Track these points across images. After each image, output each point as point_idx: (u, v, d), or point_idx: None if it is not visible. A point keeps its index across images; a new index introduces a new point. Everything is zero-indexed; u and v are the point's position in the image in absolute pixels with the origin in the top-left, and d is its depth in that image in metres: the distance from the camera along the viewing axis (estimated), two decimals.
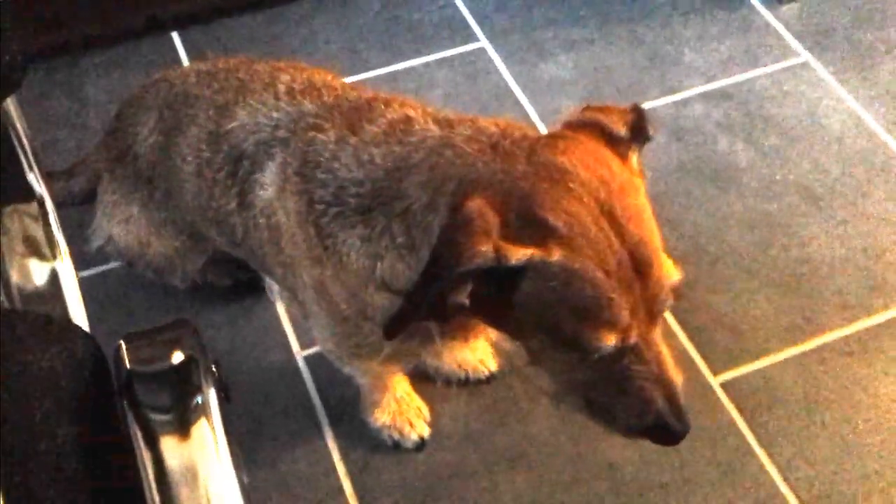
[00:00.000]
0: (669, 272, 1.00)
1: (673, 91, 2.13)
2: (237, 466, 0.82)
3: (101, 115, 2.03)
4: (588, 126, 1.06)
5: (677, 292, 1.01)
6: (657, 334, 1.02)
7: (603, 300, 0.95)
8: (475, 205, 0.95)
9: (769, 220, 1.89)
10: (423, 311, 0.99)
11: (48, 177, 1.29)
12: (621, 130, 1.05)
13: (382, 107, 1.19)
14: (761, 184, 1.95)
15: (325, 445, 1.59)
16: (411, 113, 1.16)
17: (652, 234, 0.99)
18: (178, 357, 0.86)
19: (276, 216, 1.24)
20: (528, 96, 2.11)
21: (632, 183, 1.01)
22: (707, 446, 1.58)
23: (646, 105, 2.08)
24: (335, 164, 1.15)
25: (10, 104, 1.20)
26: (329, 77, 1.36)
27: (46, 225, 1.20)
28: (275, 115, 1.27)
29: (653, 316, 1.00)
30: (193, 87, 1.42)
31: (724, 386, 1.65)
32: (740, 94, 2.12)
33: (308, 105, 1.26)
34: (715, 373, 1.67)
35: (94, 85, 2.14)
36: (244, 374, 1.68)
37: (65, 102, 2.10)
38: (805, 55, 2.19)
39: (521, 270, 0.95)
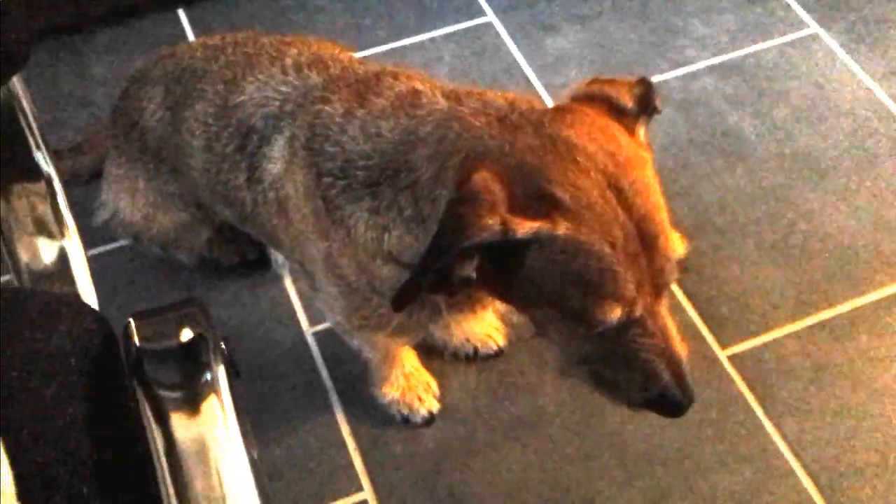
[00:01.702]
0: (676, 246, 1.00)
1: (681, 64, 2.11)
2: (247, 442, 0.82)
3: (107, 93, 2.03)
4: (595, 99, 1.05)
5: (683, 266, 1.01)
6: (663, 307, 1.02)
7: (608, 273, 0.95)
8: (481, 178, 0.95)
9: (778, 193, 1.89)
10: (429, 284, 0.99)
11: (55, 155, 1.28)
12: (628, 103, 1.05)
13: (390, 80, 1.19)
14: (770, 157, 1.95)
15: (335, 421, 1.60)
16: (419, 86, 1.16)
17: (659, 207, 0.99)
18: (187, 334, 0.86)
19: (285, 190, 1.25)
20: (535, 70, 2.10)
21: (639, 156, 1.01)
22: (715, 419, 1.58)
23: (654, 78, 2.06)
24: (343, 138, 1.15)
25: (17, 83, 1.19)
26: (336, 50, 1.35)
27: (54, 203, 1.20)
28: (282, 88, 1.27)
29: (658, 289, 1.00)
30: (201, 61, 1.42)
31: (731, 359, 1.65)
32: (749, 66, 2.11)
33: (315, 78, 1.26)
34: (723, 346, 1.67)
35: (100, 63, 2.14)
36: (253, 351, 1.69)
37: (71, 80, 2.10)
38: (814, 27, 2.17)
39: (527, 243, 0.95)
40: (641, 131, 1.07)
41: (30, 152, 1.20)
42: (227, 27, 2.13)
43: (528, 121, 1.01)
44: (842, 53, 2.12)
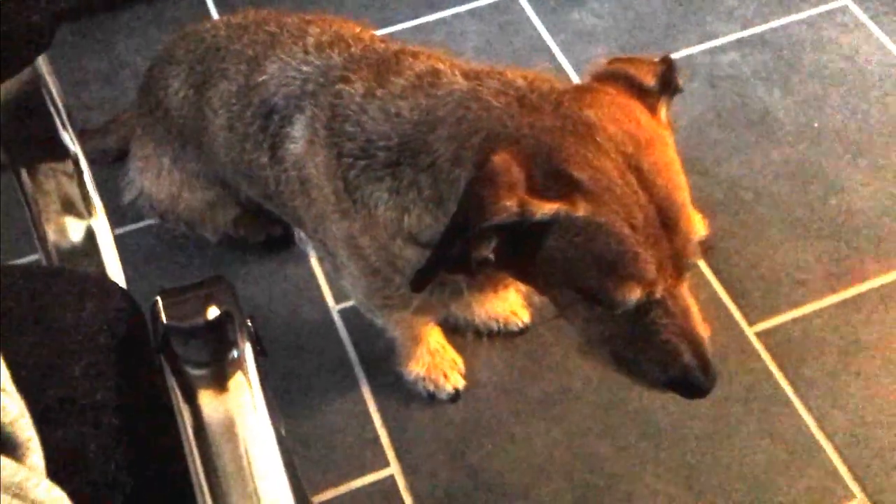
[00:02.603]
0: (697, 227, 0.98)
1: (708, 38, 2.09)
2: (274, 419, 0.83)
3: (133, 73, 2.04)
4: (616, 78, 1.04)
5: (705, 246, 1.00)
6: (685, 288, 1.01)
7: (628, 254, 0.94)
8: (501, 159, 0.94)
9: (807, 167, 1.87)
10: (448, 265, 0.99)
11: (82, 135, 1.29)
12: (650, 82, 1.03)
13: (410, 59, 1.18)
14: (799, 131, 1.92)
15: (361, 397, 1.61)
16: (439, 65, 1.15)
17: (680, 188, 0.98)
18: (213, 312, 0.87)
19: (306, 169, 1.25)
20: (560, 46, 2.09)
21: (660, 136, 0.99)
22: (742, 396, 1.57)
23: (681, 53, 2.04)
24: (363, 118, 1.15)
25: (42, 63, 1.20)
26: (358, 29, 1.35)
27: (81, 183, 1.21)
28: (304, 68, 1.27)
29: (680, 270, 0.99)
30: (223, 40, 1.42)
31: (759, 335, 1.64)
32: (777, 39, 2.08)
33: (336, 58, 1.25)
34: (751, 322, 1.66)
35: (125, 42, 2.14)
36: (280, 328, 1.70)
37: (97, 61, 2.11)
38: None
39: (546, 225, 0.94)
40: (663, 111, 1.05)
41: (56, 132, 1.21)
42: (251, 5, 2.12)
43: (547, 101, 1.00)
44: (872, 25, 2.09)
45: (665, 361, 1.03)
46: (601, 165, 0.94)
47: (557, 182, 0.94)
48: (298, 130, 1.25)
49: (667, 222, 0.95)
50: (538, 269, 1.00)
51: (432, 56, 1.20)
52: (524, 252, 0.98)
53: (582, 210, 0.93)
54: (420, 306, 1.28)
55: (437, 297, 1.23)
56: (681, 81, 1.06)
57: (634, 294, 0.96)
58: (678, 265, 0.98)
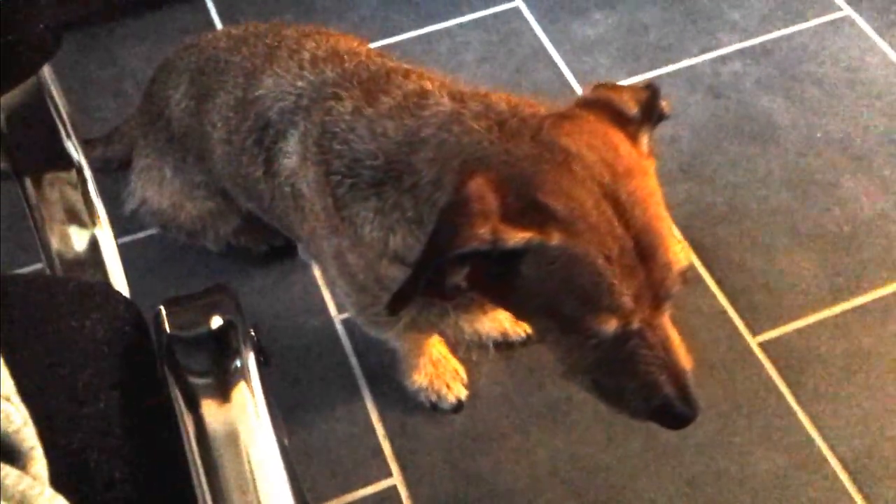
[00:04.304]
0: (678, 257, 0.97)
1: (711, 48, 2.09)
2: (277, 429, 0.83)
3: (136, 82, 2.04)
4: (598, 105, 1.03)
5: (686, 277, 0.98)
6: (665, 318, 1.00)
7: (603, 286, 0.93)
8: (476, 186, 0.94)
9: (810, 178, 1.86)
10: (422, 290, 0.98)
11: (86, 144, 1.29)
12: (632, 110, 1.02)
13: (400, 78, 1.19)
14: (802, 141, 1.92)
15: (364, 407, 1.61)
16: (427, 85, 1.15)
17: (659, 218, 0.97)
18: (216, 321, 0.87)
19: (299, 185, 1.25)
20: (563, 56, 2.09)
21: (640, 166, 0.98)
22: (746, 406, 1.57)
23: (684, 63, 2.05)
24: (351, 136, 1.15)
25: (47, 72, 1.20)
26: (355, 44, 1.35)
27: (85, 192, 1.21)
28: (298, 83, 1.27)
29: (659, 301, 0.98)
30: (223, 52, 1.43)
31: (762, 346, 1.64)
32: (780, 50, 2.08)
33: (329, 73, 1.25)
34: (754, 333, 1.66)
35: (129, 52, 2.15)
36: (283, 338, 1.69)
37: (101, 70, 2.11)
38: (847, 10, 2.14)
39: (520, 253, 0.94)
40: (645, 139, 1.04)
41: (60, 141, 1.21)
42: (255, 15, 2.13)
43: (527, 127, 1.00)
44: (875, 36, 2.09)
45: (645, 392, 1.02)
46: (577, 195, 0.93)
47: (532, 210, 0.93)
48: (292, 145, 1.25)
49: (644, 253, 0.94)
50: (514, 295, 1.00)
51: (423, 75, 1.20)
52: (500, 278, 0.97)
53: (555, 239, 0.93)
54: (409, 324, 1.28)
55: (424, 317, 1.23)
56: (666, 108, 1.04)
57: (609, 325, 0.95)
58: (657, 296, 0.97)
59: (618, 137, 0.99)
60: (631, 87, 1.05)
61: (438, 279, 0.96)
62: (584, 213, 0.93)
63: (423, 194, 1.05)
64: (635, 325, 0.97)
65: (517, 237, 0.92)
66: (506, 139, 0.99)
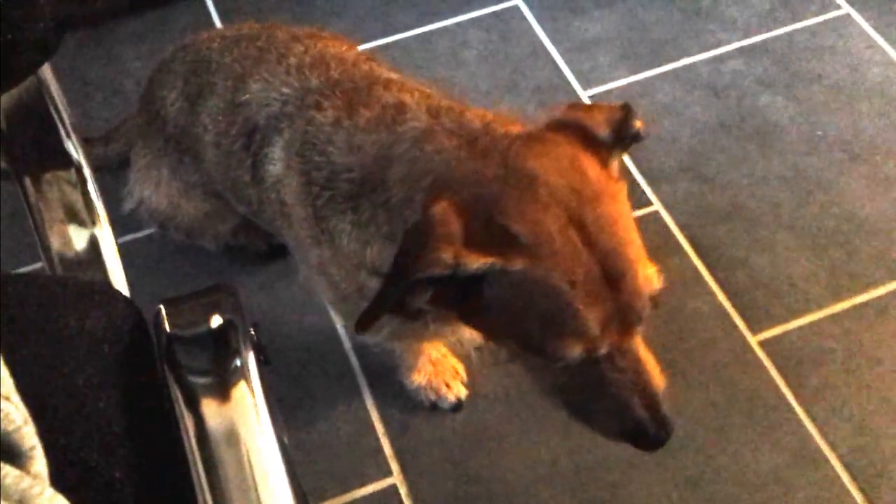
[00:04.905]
0: (648, 281, 0.96)
1: (711, 47, 2.09)
2: (277, 428, 0.83)
3: (136, 81, 2.04)
4: (569, 127, 1.01)
5: (657, 300, 0.97)
6: (635, 342, 0.99)
7: (567, 311, 0.93)
8: (440, 209, 0.94)
9: (809, 176, 1.87)
10: (387, 310, 0.98)
11: (86, 143, 1.29)
12: (603, 133, 1.00)
13: (381, 89, 1.18)
14: (801, 140, 1.92)
15: (364, 407, 1.61)
16: (406, 98, 1.15)
17: (627, 242, 0.95)
18: (216, 321, 0.87)
19: (283, 192, 1.25)
20: (562, 54, 2.09)
21: (608, 190, 0.97)
22: (746, 405, 1.57)
23: (683, 61, 2.05)
24: (329, 148, 1.15)
25: (47, 71, 1.20)
26: (344, 48, 1.35)
27: (85, 191, 1.21)
28: (284, 90, 1.27)
29: (628, 326, 0.97)
30: (215, 53, 1.42)
31: (762, 344, 1.64)
32: (780, 48, 2.08)
33: (314, 81, 1.25)
34: (754, 332, 1.66)
35: (129, 51, 2.15)
36: (283, 337, 1.69)
37: (100, 69, 2.11)
38: (846, 8, 2.14)
39: (483, 277, 0.93)
40: (616, 162, 1.03)
41: (60, 140, 1.21)
42: (255, 14, 2.13)
43: (497, 147, 0.99)
44: (874, 34, 2.09)
45: (617, 414, 1.01)
46: (541, 220, 0.92)
47: (495, 235, 0.92)
48: (277, 152, 1.25)
49: (611, 278, 0.93)
50: (480, 317, 1.00)
51: (405, 87, 1.19)
52: (466, 301, 0.97)
53: (518, 265, 0.92)
54: (393, 333, 1.28)
55: (407, 327, 1.23)
56: (642, 129, 1.02)
57: (574, 351, 0.95)
58: (625, 321, 0.96)
59: (587, 161, 0.98)
60: (605, 107, 1.03)
61: (403, 300, 0.96)
62: (548, 239, 0.92)
63: (396, 211, 1.05)
64: (603, 350, 0.96)
65: (478, 262, 0.91)
66: (474, 159, 0.99)
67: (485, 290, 0.95)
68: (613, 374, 0.98)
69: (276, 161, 1.25)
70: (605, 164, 1.00)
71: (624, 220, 0.97)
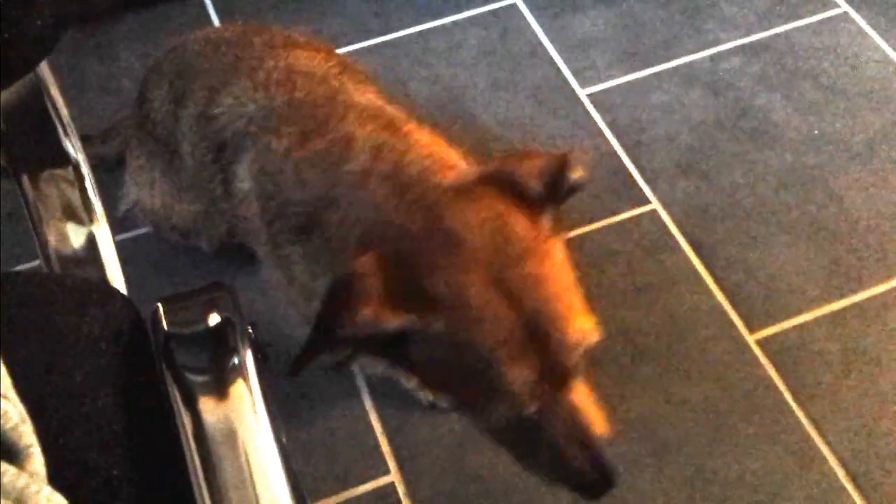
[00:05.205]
0: (581, 335, 0.94)
1: (709, 45, 2.09)
2: (275, 426, 0.83)
3: (134, 80, 2.03)
4: (500, 180, 0.99)
5: (592, 353, 0.96)
6: (571, 393, 0.97)
7: (488, 373, 0.92)
8: (363, 264, 0.94)
9: (807, 175, 1.87)
10: (318, 357, 0.98)
11: (83, 141, 1.29)
12: (535, 186, 0.98)
13: (336, 121, 1.16)
14: (799, 138, 1.92)
15: (362, 405, 1.61)
16: (357, 132, 1.13)
17: (556, 299, 0.94)
18: (214, 319, 0.87)
19: (250, 211, 1.25)
20: (560, 52, 2.09)
21: (536, 248, 0.95)
22: (743, 404, 1.57)
23: (682, 60, 2.05)
24: (280, 178, 1.15)
25: (44, 69, 1.20)
26: (316, 60, 1.32)
27: (83, 189, 1.21)
28: (250, 107, 1.25)
29: (559, 381, 0.95)
30: (197, 58, 1.41)
31: (760, 343, 1.64)
32: (778, 46, 2.08)
33: (278, 101, 1.23)
34: (751, 330, 1.66)
35: (127, 49, 2.14)
36: (280, 335, 1.69)
37: (98, 67, 2.11)
38: (845, 6, 2.14)
39: (405, 334, 0.93)
40: (548, 217, 1.00)
41: (58, 138, 1.21)
42: (253, 13, 2.13)
43: (426, 200, 0.99)
44: (872, 33, 2.09)
45: (556, 465, 1.00)
46: (462, 280, 0.92)
47: (416, 293, 0.92)
48: (242, 171, 1.24)
49: (537, 338, 0.92)
50: (411, 368, 1.00)
51: (362, 114, 1.17)
52: (398, 351, 0.97)
53: (437, 325, 0.91)
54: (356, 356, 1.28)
55: (359, 359, 1.24)
56: (579, 177, 0.99)
57: (499, 409, 0.94)
58: (557, 376, 0.95)
59: (515, 218, 0.96)
60: (541, 157, 1.00)
61: (331, 351, 0.97)
62: (468, 300, 0.91)
63: (337, 253, 1.06)
64: (531, 408, 0.95)
65: (397, 321, 0.91)
66: (403, 212, 0.99)
67: (410, 345, 0.95)
68: (549, 427, 0.97)
69: (244, 179, 1.24)
70: (535, 219, 0.98)
71: (553, 277, 0.95)
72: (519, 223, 0.96)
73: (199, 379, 0.84)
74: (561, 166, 0.98)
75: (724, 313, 1.68)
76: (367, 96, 1.25)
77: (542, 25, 2.14)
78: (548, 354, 0.93)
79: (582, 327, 0.95)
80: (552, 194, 0.98)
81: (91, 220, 1.20)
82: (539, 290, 0.93)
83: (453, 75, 2.05)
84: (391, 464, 1.54)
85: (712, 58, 2.07)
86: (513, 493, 1.50)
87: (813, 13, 2.14)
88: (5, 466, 0.57)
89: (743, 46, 2.08)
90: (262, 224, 1.20)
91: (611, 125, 1.96)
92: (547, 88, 2.02)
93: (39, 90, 1.19)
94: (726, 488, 1.49)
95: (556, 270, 0.96)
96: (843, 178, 1.86)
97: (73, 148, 1.22)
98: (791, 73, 2.03)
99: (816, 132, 1.93)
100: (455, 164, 1.08)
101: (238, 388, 0.83)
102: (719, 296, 1.70)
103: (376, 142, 1.11)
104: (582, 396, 0.99)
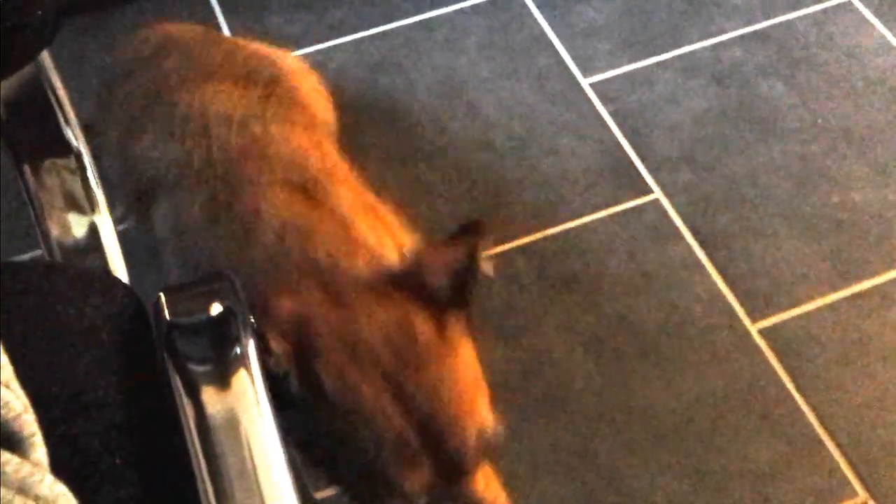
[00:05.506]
0: (478, 436, 0.96)
1: (712, 34, 2.08)
2: (278, 415, 0.83)
3: None
4: (408, 281, 0.99)
5: (494, 446, 0.98)
6: (473, 483, 0.98)
7: (380, 476, 0.94)
8: (283, 306, 0.95)
9: (810, 164, 1.86)
10: None
11: (85, 130, 1.29)
12: (444, 286, 0.98)
13: (247, 186, 1.13)
14: (802, 127, 1.92)
15: None
16: (263, 206, 1.10)
17: (454, 402, 0.95)
18: (216, 308, 0.87)
19: (170, 258, 1.23)
20: (563, 42, 2.08)
21: (435, 352, 0.96)
22: (745, 393, 1.57)
23: (684, 49, 2.04)
24: (189, 243, 1.15)
25: (45, 58, 1.20)
26: (235, 95, 1.25)
27: (84, 179, 1.21)
28: (168, 157, 1.21)
29: (459, 475, 0.96)
30: (137, 64, 1.40)
31: (762, 332, 1.64)
32: (781, 35, 2.07)
33: (195, 155, 1.18)
34: (753, 320, 1.66)
35: (128, 39, 2.13)
36: None
37: (99, 56, 2.10)
38: None
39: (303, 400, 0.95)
40: (455, 316, 0.99)
41: (59, 128, 1.21)
42: (253, 1, 2.12)
43: (332, 294, 0.98)
44: (876, 22, 2.08)
45: None
46: (354, 383, 0.93)
47: (311, 384, 0.94)
48: (159, 218, 1.22)
49: (431, 440, 0.93)
50: (305, 447, 1.04)
51: (277, 178, 1.13)
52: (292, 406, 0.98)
53: (328, 417, 0.94)
54: None
55: None
56: (488, 273, 0.99)
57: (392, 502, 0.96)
58: (455, 472, 0.96)
59: (417, 320, 0.96)
60: (450, 251, 0.99)
61: None
62: (362, 404, 0.93)
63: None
64: (423, 501, 0.96)
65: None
66: (312, 306, 0.98)
67: (304, 414, 0.96)
68: None
69: (160, 229, 1.22)
70: (443, 318, 0.98)
71: (452, 381, 0.96)
72: (421, 326, 0.96)
73: (202, 368, 0.84)
74: (469, 258, 0.97)
75: (726, 302, 1.68)
76: (290, 143, 1.19)
77: (544, 14, 2.14)
78: (441, 456, 0.94)
79: (482, 425, 0.96)
80: (460, 294, 0.99)
81: (93, 210, 1.20)
82: (435, 395, 0.94)
83: (455, 64, 2.05)
84: None
85: (715, 47, 2.06)
86: (511, 483, 1.50)
87: (816, 2, 2.13)
88: (7, 456, 0.57)
89: (746, 35, 2.08)
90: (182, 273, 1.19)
91: (613, 114, 1.95)
92: (549, 77, 2.01)
93: (41, 80, 1.19)
94: (727, 477, 1.49)
95: (458, 371, 0.97)
96: (845, 167, 1.85)
97: (75, 137, 1.22)
98: (794, 63, 2.02)
99: (819, 121, 1.93)
100: (367, 243, 1.06)
101: (240, 378, 0.83)
102: (721, 285, 1.70)
103: (284, 218, 1.08)
104: (485, 484, 0.99)
